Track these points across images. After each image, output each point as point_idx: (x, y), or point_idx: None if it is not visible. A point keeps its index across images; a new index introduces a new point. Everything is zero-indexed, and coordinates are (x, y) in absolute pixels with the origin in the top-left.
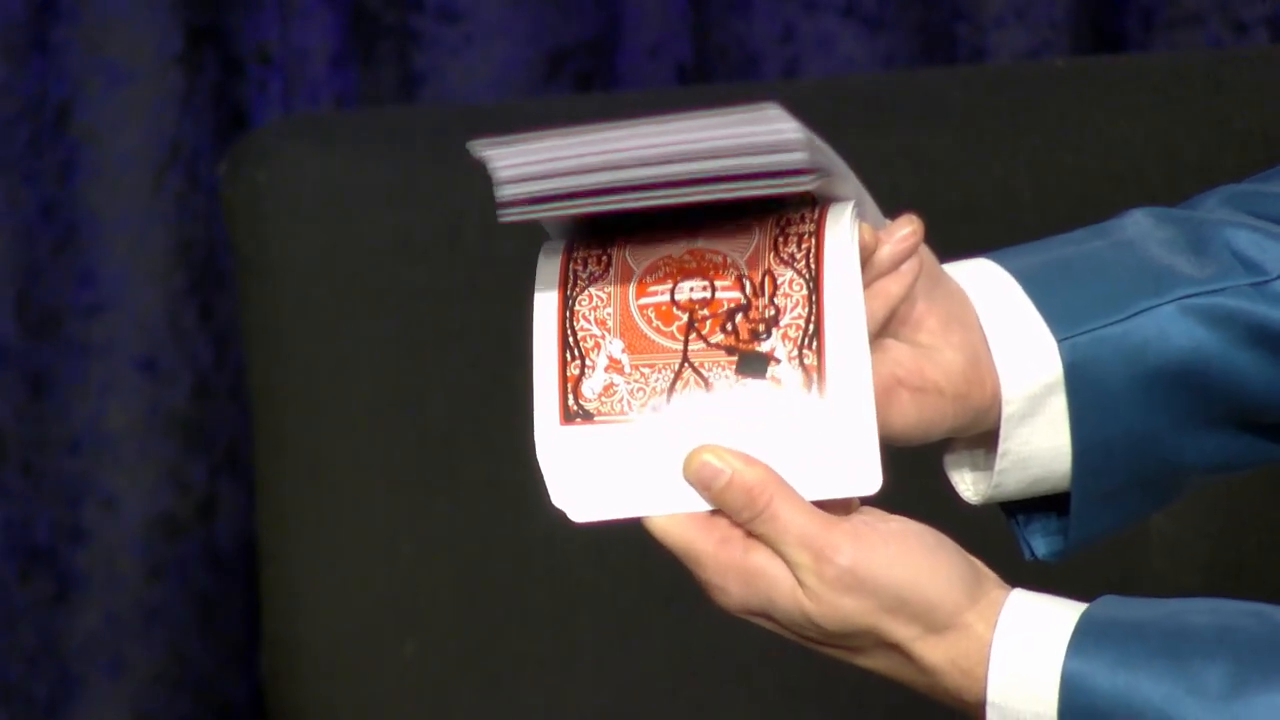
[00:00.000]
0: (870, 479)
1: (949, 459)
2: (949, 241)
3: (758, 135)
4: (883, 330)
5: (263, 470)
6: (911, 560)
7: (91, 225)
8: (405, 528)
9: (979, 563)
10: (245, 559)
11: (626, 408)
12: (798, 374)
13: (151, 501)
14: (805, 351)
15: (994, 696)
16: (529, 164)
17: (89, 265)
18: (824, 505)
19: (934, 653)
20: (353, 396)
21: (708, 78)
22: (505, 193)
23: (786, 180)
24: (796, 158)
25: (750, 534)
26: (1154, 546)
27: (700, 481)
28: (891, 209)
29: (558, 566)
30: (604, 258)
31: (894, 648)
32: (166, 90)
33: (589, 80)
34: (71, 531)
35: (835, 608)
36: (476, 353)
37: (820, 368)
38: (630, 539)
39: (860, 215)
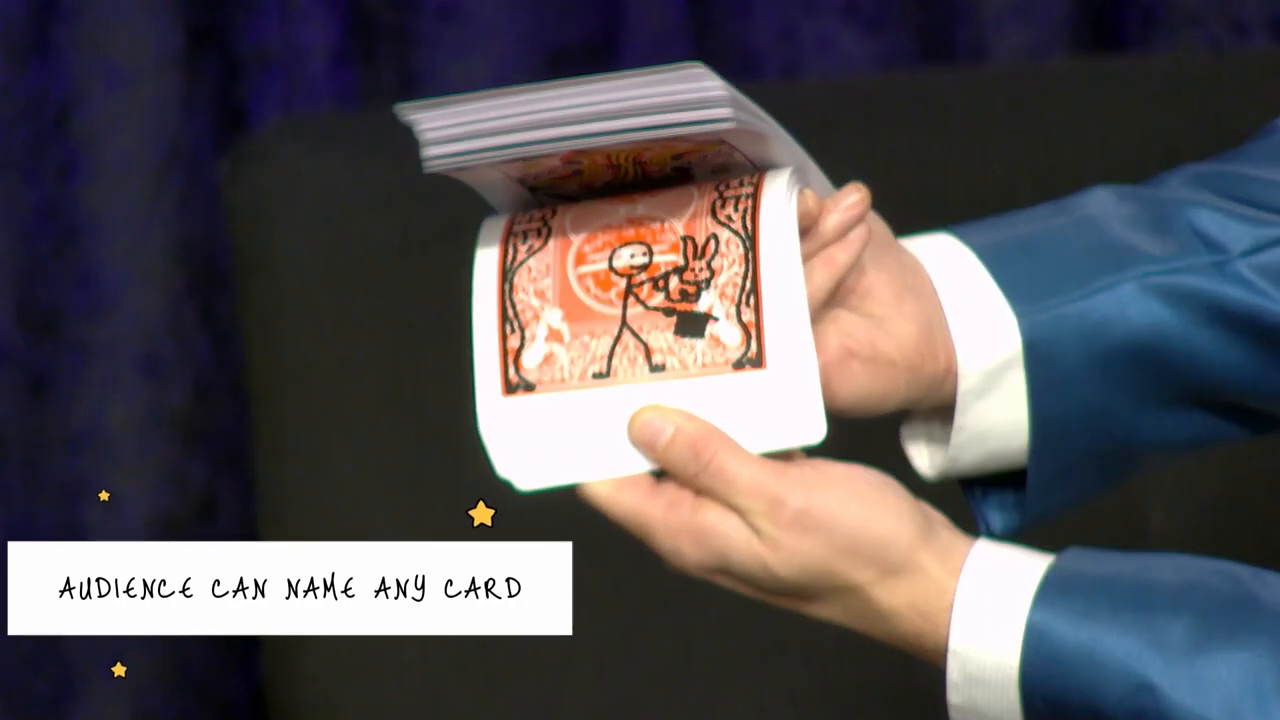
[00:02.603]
0: (814, 428)
1: (905, 432)
2: None
3: (682, 93)
4: (833, 300)
5: (263, 470)
6: (862, 500)
7: (91, 225)
8: (405, 528)
9: (928, 506)
10: None
11: (567, 376)
12: (736, 331)
13: (151, 501)
14: (743, 308)
15: (956, 644)
16: (454, 125)
17: (89, 265)
18: (768, 458)
19: (892, 596)
20: (353, 396)
21: None
22: (431, 153)
23: (709, 135)
24: (721, 113)
25: (698, 492)
26: (1154, 546)
27: (644, 440)
28: (891, 209)
29: None
30: (543, 230)
31: (851, 592)
32: (166, 90)
33: None
34: (72, 531)
35: (793, 551)
36: (467, 341)
37: (758, 323)
38: (630, 539)
39: (805, 184)
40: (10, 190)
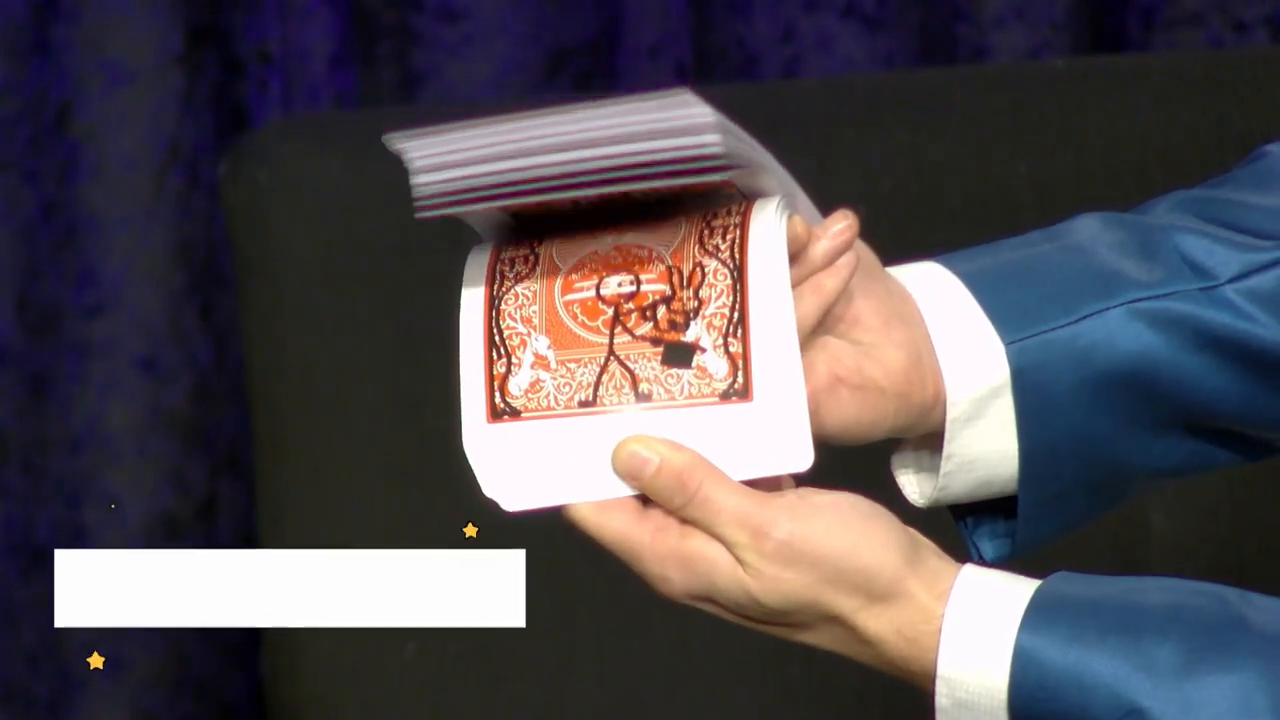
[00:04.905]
0: (802, 454)
1: (896, 460)
2: (949, 242)
3: (670, 120)
4: (821, 327)
5: (263, 470)
6: (848, 529)
7: (91, 225)
8: (405, 528)
9: (916, 533)
10: None
11: (553, 403)
12: (723, 362)
13: (152, 501)
14: (730, 339)
15: (944, 669)
16: (444, 154)
17: (89, 265)
18: (757, 485)
19: (877, 622)
20: (353, 396)
21: (708, 78)
22: (420, 180)
23: (700, 165)
24: (709, 139)
25: (684, 521)
26: (1154, 548)
27: (629, 472)
28: (891, 209)
29: (558, 566)
30: (531, 257)
31: (837, 620)
32: (166, 90)
33: (589, 80)
34: (72, 531)
35: (777, 582)
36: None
37: (745, 355)
38: None
39: (793, 210)
40: (10, 190)
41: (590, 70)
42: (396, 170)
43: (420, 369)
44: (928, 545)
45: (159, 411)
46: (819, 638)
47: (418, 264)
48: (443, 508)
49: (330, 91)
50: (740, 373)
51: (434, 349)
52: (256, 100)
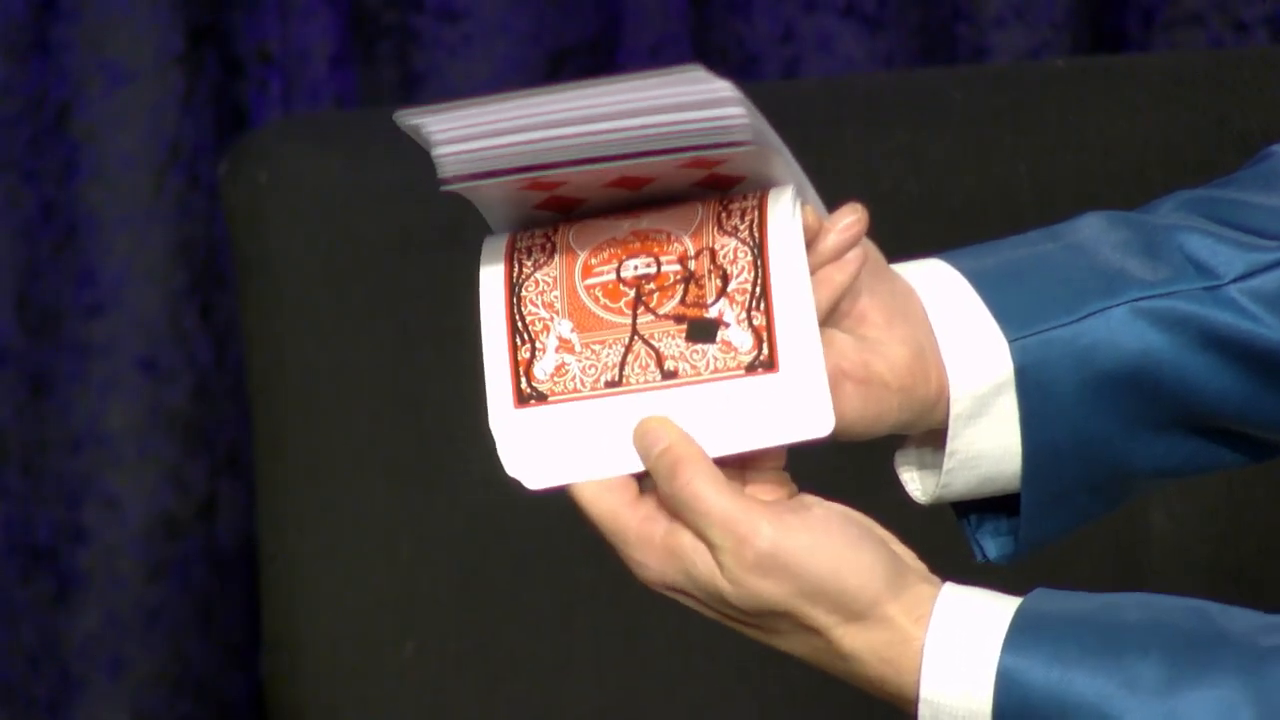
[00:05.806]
0: (824, 420)
1: (899, 457)
2: (949, 241)
3: (691, 93)
4: (827, 321)
5: (263, 470)
6: (831, 549)
7: (91, 225)
8: (405, 528)
9: (907, 555)
10: (245, 559)
11: (580, 385)
12: (748, 335)
13: (152, 501)
14: (754, 313)
15: (927, 693)
16: (462, 127)
17: (89, 265)
18: (750, 494)
19: (854, 640)
20: (353, 396)
21: None
22: (441, 153)
23: (724, 137)
24: (733, 111)
25: (674, 516)
26: (1154, 549)
27: (642, 448)
28: (892, 209)
29: (558, 566)
30: (548, 245)
31: (815, 632)
32: (166, 90)
33: None
34: (72, 531)
35: (751, 590)
36: (476, 353)
37: (769, 326)
38: None
39: (804, 201)
40: (10, 189)
41: (591, 70)
42: (396, 170)
43: (420, 369)
44: (914, 569)
45: (159, 411)
46: (793, 645)
47: (418, 264)
48: (442, 508)
49: (330, 91)
50: (765, 344)
51: (434, 349)
52: (256, 100)
